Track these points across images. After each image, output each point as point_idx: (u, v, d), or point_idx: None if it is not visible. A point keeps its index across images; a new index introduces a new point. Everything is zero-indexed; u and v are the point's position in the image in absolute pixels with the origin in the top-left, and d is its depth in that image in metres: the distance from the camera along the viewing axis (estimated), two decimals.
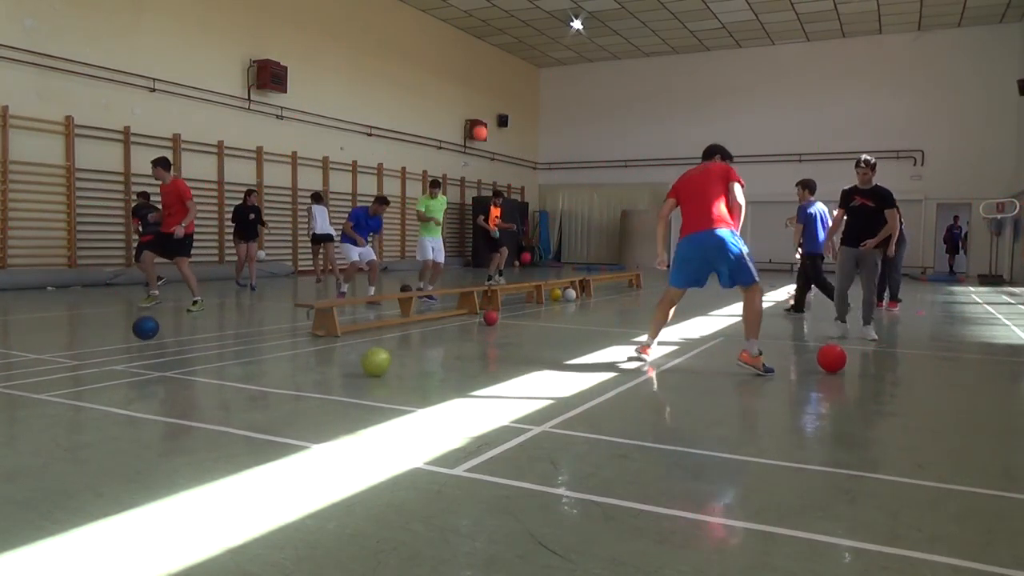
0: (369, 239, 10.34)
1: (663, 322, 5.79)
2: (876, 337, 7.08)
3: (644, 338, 5.85)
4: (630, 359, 5.69)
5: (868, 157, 7.04)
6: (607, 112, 25.50)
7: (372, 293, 10.05)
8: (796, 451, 3.57)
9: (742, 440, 3.77)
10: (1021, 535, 2.47)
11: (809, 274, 9.36)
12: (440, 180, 11.93)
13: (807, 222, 9.26)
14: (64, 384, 4.59)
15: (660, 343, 5.94)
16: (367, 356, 4.91)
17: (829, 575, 2.13)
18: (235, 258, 13.16)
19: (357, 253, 10.24)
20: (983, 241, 20.48)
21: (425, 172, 20.78)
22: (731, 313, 9.22)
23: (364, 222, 10.28)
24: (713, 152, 5.73)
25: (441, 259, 10.72)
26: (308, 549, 2.24)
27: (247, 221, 12.67)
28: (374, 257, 10.34)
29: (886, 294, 10.31)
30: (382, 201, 10.51)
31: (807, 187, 9.34)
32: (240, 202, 13.11)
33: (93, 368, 5.14)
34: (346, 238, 10.30)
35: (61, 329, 7.70)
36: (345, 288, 10.41)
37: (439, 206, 10.74)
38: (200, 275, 13.82)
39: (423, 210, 10.57)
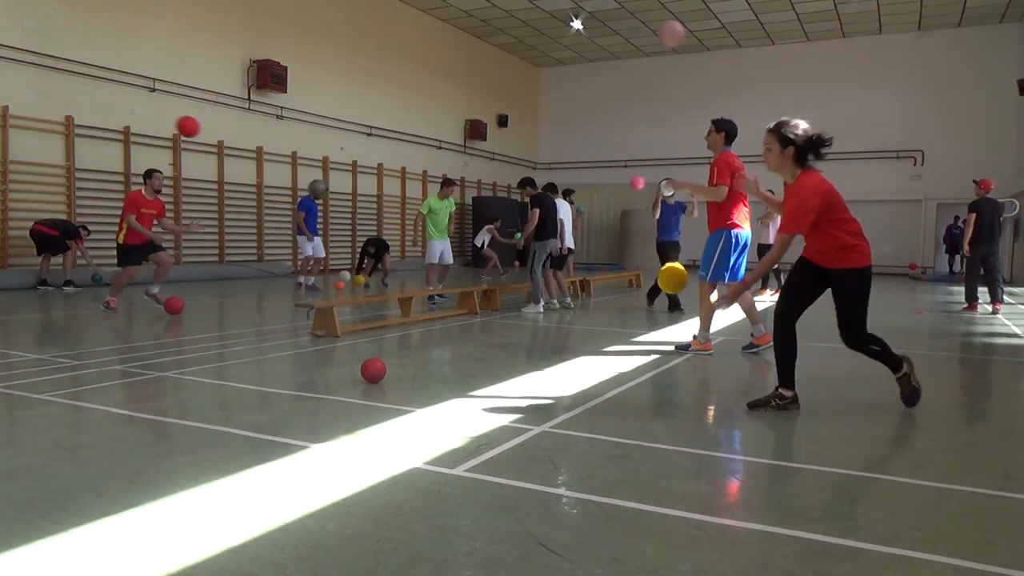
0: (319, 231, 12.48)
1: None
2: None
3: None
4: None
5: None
6: (607, 112, 25.48)
7: (312, 282, 12.06)
8: (796, 451, 3.57)
9: (742, 440, 3.77)
10: (1021, 535, 2.47)
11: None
12: (455, 181, 10.81)
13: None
14: (64, 384, 4.59)
15: (659, 343, 5.93)
16: None
17: (829, 575, 2.13)
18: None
19: (311, 248, 11.93)
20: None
21: (425, 172, 20.78)
22: (732, 312, 9.20)
23: (313, 209, 12.04)
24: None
25: (449, 260, 10.34)
26: (308, 549, 2.24)
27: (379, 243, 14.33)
28: (323, 253, 12.44)
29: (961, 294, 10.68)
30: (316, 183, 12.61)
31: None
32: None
33: (93, 368, 5.14)
34: (301, 231, 11.96)
35: (61, 329, 7.70)
36: (311, 281, 12.07)
37: (446, 207, 10.17)
38: (201, 275, 13.90)
39: (424, 212, 10.10)
